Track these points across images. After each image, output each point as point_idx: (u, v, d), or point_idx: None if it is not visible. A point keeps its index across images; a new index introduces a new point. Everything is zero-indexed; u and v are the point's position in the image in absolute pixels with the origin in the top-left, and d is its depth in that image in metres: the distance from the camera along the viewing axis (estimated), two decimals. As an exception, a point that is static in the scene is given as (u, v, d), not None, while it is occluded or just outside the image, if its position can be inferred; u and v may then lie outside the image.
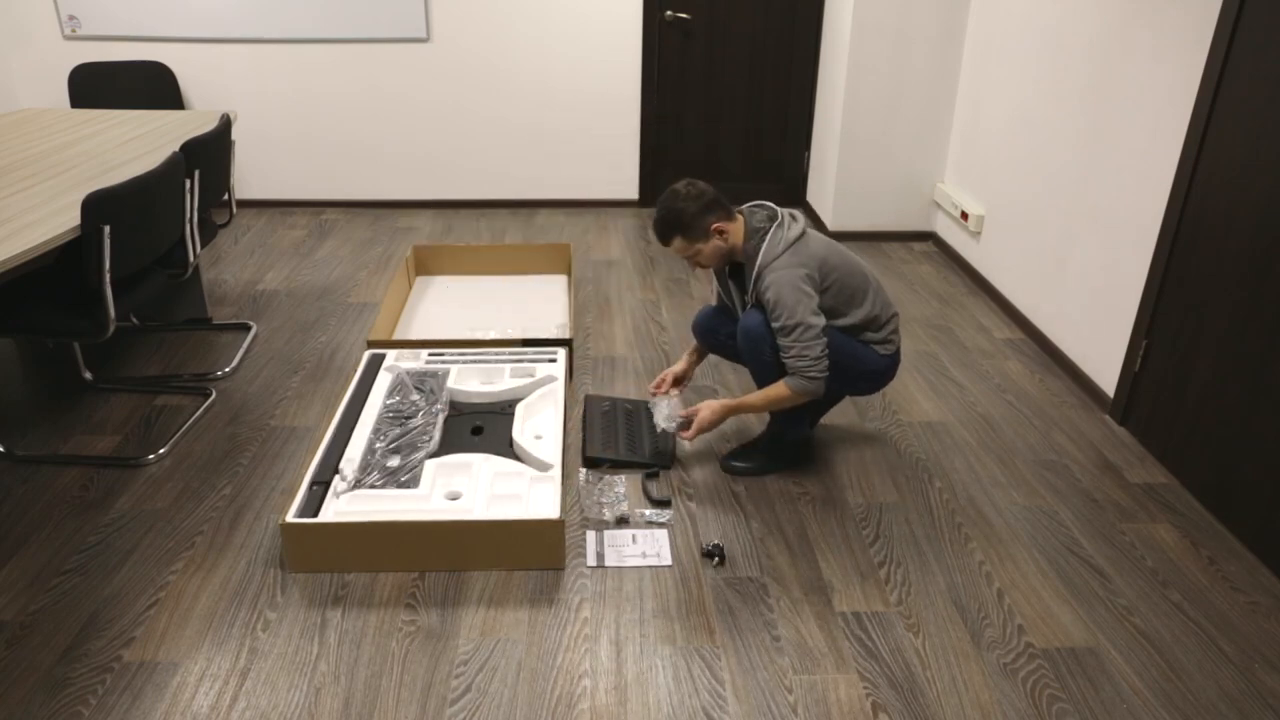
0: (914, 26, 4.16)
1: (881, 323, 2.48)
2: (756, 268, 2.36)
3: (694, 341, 2.78)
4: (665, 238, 2.40)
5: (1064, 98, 3.29)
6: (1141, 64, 2.83)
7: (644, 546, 2.31)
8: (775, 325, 2.33)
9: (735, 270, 2.52)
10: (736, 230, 2.40)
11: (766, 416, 2.73)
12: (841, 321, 2.43)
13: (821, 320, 2.34)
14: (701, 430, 2.50)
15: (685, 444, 2.72)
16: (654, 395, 2.68)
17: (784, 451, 2.67)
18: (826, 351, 2.33)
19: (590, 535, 2.35)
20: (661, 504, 2.48)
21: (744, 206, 2.47)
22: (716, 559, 2.27)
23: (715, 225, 2.36)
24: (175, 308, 3.57)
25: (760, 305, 2.39)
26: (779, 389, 2.38)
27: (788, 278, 2.32)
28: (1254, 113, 2.35)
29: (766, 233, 2.37)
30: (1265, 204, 2.31)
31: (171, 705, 1.85)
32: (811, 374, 2.33)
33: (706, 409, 2.49)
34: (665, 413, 2.55)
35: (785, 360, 2.35)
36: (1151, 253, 2.79)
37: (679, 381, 2.75)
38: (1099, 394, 3.05)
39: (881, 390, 2.80)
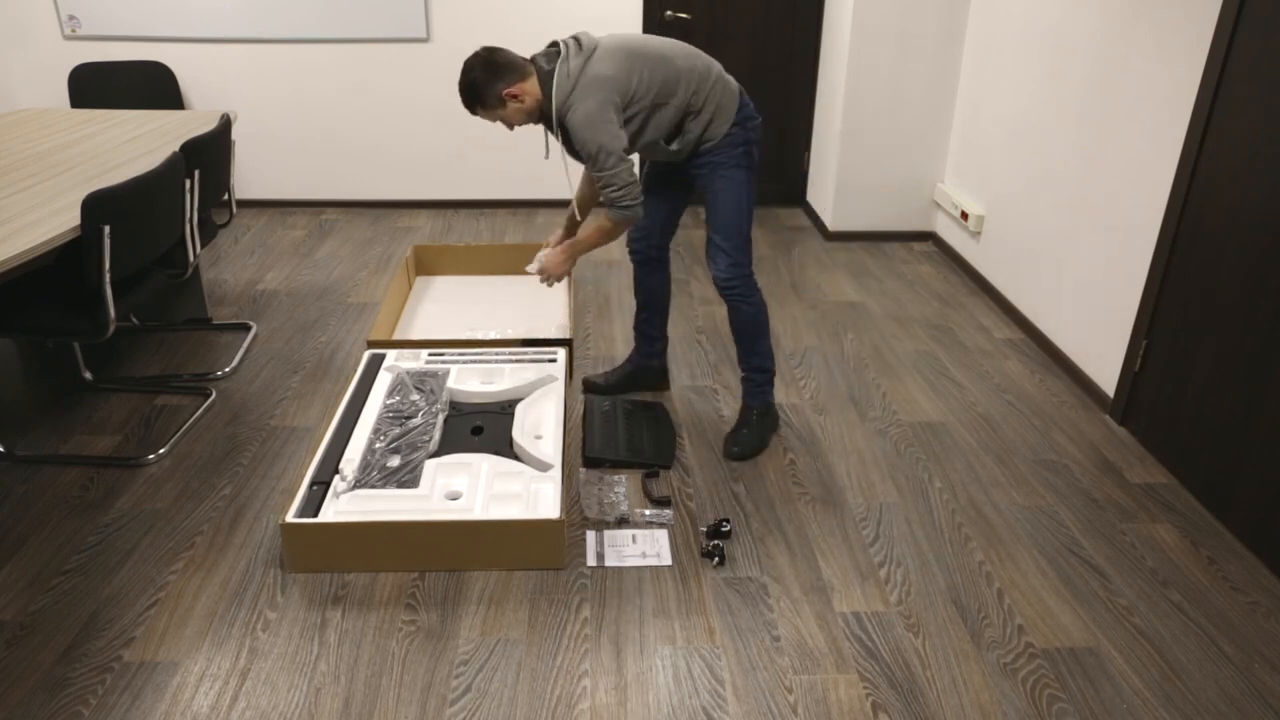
0: (914, 27, 4.16)
1: (707, 95, 2.48)
2: (554, 118, 2.41)
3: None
4: (470, 109, 2.45)
5: (1064, 98, 3.29)
6: (1141, 64, 2.83)
7: (644, 546, 2.31)
8: (586, 159, 2.41)
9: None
10: (531, 87, 2.41)
11: (738, 405, 2.86)
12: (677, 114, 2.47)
13: (621, 144, 2.39)
14: (555, 274, 2.65)
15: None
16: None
17: (767, 420, 2.78)
18: (635, 177, 2.41)
19: (590, 535, 2.35)
20: (661, 504, 2.48)
21: (535, 54, 2.48)
22: (716, 559, 2.27)
23: (505, 91, 2.39)
24: (175, 308, 3.57)
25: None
26: (602, 222, 2.51)
27: (582, 114, 2.36)
28: (1254, 113, 2.35)
29: (552, 75, 2.39)
30: (1265, 204, 2.31)
31: (171, 705, 1.85)
32: (625, 202, 2.42)
33: (550, 259, 2.64)
34: (533, 265, 2.70)
35: (601, 194, 2.45)
36: (1151, 253, 2.79)
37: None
38: (1099, 394, 3.05)
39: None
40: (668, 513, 2.44)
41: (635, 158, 2.71)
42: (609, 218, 2.48)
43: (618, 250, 4.38)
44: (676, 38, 4.66)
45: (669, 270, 2.90)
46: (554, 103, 2.38)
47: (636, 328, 2.99)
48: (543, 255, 2.70)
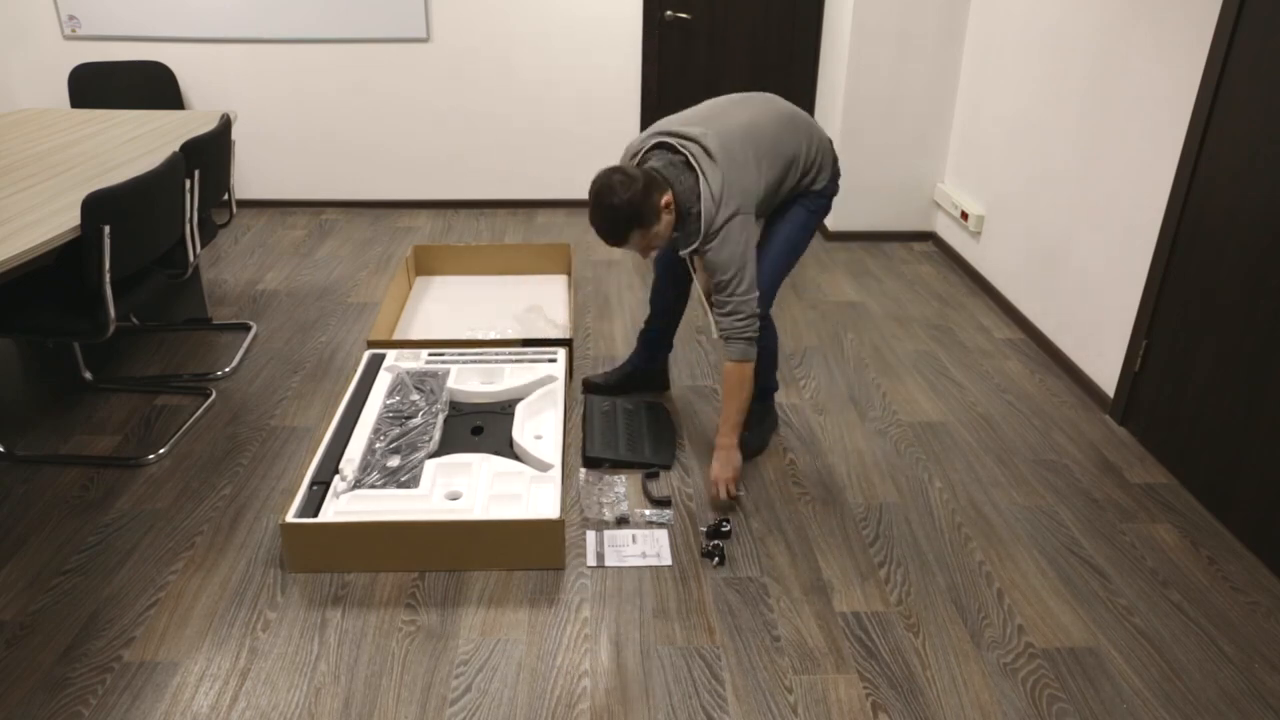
0: (914, 27, 4.16)
1: (815, 162, 2.41)
2: (702, 234, 2.23)
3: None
4: (621, 236, 2.20)
5: (1064, 98, 3.29)
6: (1141, 64, 2.83)
7: (644, 546, 2.31)
8: (716, 279, 2.25)
9: None
10: (676, 197, 2.24)
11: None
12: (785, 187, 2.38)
13: (756, 278, 2.25)
14: (731, 482, 2.42)
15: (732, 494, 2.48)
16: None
17: (766, 423, 2.79)
18: (759, 310, 2.27)
19: (590, 535, 2.35)
20: (661, 504, 2.48)
21: (643, 160, 2.28)
22: (716, 559, 2.27)
23: (664, 200, 2.19)
24: (175, 308, 3.57)
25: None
26: (732, 375, 2.31)
27: (730, 231, 2.21)
28: (1254, 113, 2.35)
29: (696, 186, 2.21)
30: (1265, 204, 2.31)
31: (171, 705, 1.85)
32: (749, 333, 2.26)
33: (724, 481, 2.41)
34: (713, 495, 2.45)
35: (719, 320, 2.27)
36: (1151, 253, 2.79)
37: None
38: (1099, 394, 3.05)
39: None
40: (668, 513, 2.44)
41: None
42: (731, 356, 2.27)
43: (618, 250, 4.38)
44: (676, 37, 4.67)
45: (690, 284, 2.79)
46: (703, 225, 2.21)
47: (644, 335, 2.93)
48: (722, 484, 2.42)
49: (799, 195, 2.47)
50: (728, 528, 2.36)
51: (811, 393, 3.10)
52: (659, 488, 2.56)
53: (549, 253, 3.98)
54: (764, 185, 2.30)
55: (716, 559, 2.27)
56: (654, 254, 2.34)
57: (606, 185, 2.17)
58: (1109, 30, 3.01)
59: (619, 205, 2.15)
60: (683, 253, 2.35)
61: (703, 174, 2.22)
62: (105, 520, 2.40)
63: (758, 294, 2.27)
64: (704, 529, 2.38)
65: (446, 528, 2.18)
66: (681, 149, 2.26)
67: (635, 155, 2.36)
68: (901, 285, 4.03)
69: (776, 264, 2.47)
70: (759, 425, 2.77)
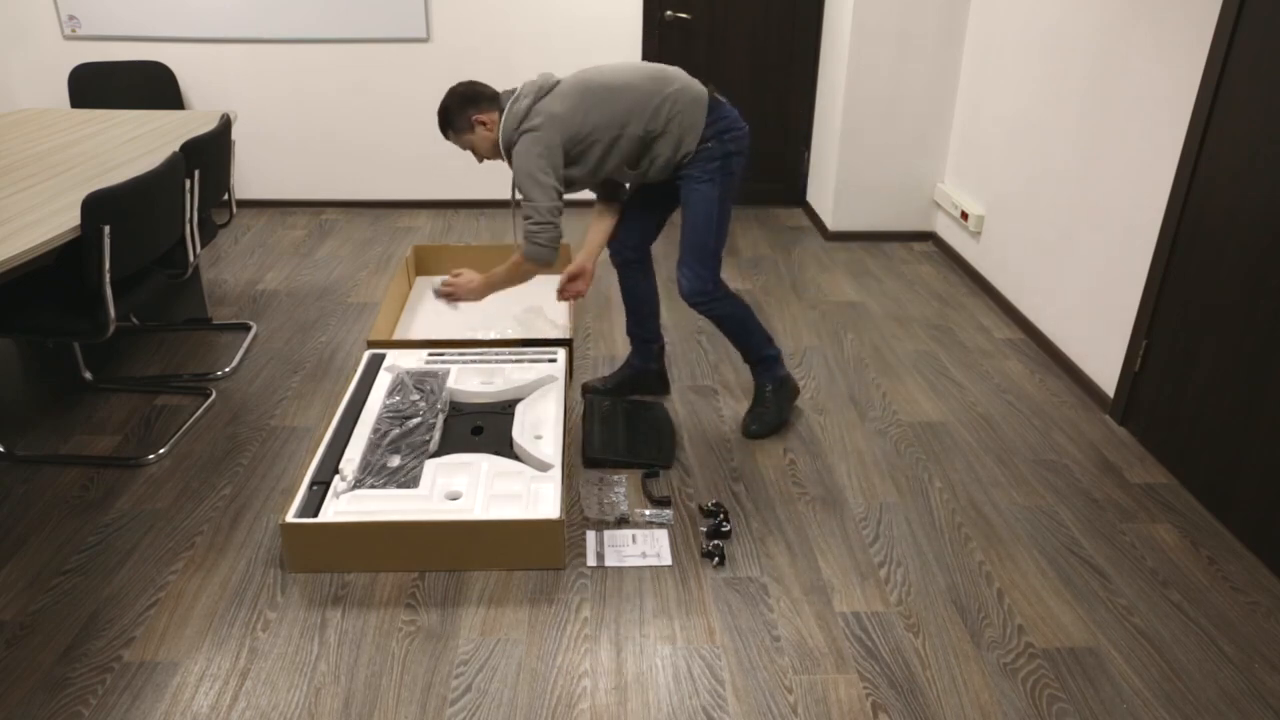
0: (914, 27, 4.16)
1: (668, 120, 2.51)
2: (503, 148, 2.55)
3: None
4: (442, 131, 2.62)
5: (1064, 98, 3.29)
6: (1141, 64, 2.83)
7: (644, 546, 2.31)
8: (520, 195, 2.53)
9: None
10: (497, 117, 2.54)
11: (738, 405, 2.86)
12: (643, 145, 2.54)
13: (551, 196, 2.49)
14: (463, 297, 2.74)
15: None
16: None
17: (783, 392, 2.87)
18: (555, 219, 2.51)
19: (590, 535, 2.35)
20: (661, 504, 2.48)
21: (486, 89, 2.59)
22: (716, 559, 2.27)
23: (475, 117, 2.54)
24: (175, 308, 3.57)
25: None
26: (518, 263, 2.60)
27: (521, 151, 2.48)
28: (1254, 113, 2.35)
29: (503, 111, 2.53)
30: (1265, 204, 2.31)
31: (171, 705, 1.85)
32: (539, 239, 2.51)
33: (465, 282, 2.73)
34: (437, 284, 2.78)
35: (522, 227, 2.55)
36: (1151, 253, 2.79)
37: (573, 279, 2.81)
38: (1099, 394, 3.05)
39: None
40: (668, 513, 2.44)
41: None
42: (523, 253, 2.56)
43: (618, 250, 4.38)
44: (676, 37, 4.67)
45: (653, 273, 2.88)
46: (500, 138, 2.53)
47: (630, 333, 2.97)
48: (453, 279, 2.77)
49: (683, 168, 2.58)
50: (728, 528, 2.36)
51: (811, 393, 3.10)
52: (659, 488, 2.56)
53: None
54: (587, 122, 2.49)
55: (716, 559, 2.27)
56: (482, 160, 2.67)
57: (450, 88, 2.60)
58: (1109, 30, 3.01)
59: (440, 107, 2.60)
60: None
61: (516, 98, 2.53)
62: (105, 520, 2.40)
63: (550, 206, 2.50)
64: (704, 529, 2.38)
65: (446, 528, 2.18)
66: (520, 86, 2.58)
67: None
68: (901, 285, 4.03)
69: (699, 235, 2.60)
70: (775, 398, 2.84)
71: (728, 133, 2.55)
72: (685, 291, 2.63)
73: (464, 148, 2.62)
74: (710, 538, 2.35)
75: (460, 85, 2.58)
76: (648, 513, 2.44)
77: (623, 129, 2.50)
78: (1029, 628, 2.09)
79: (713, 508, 2.43)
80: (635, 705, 1.86)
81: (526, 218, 2.52)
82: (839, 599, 2.17)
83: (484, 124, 2.56)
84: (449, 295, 2.75)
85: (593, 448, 2.67)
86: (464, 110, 2.55)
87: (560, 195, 2.51)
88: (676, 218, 2.66)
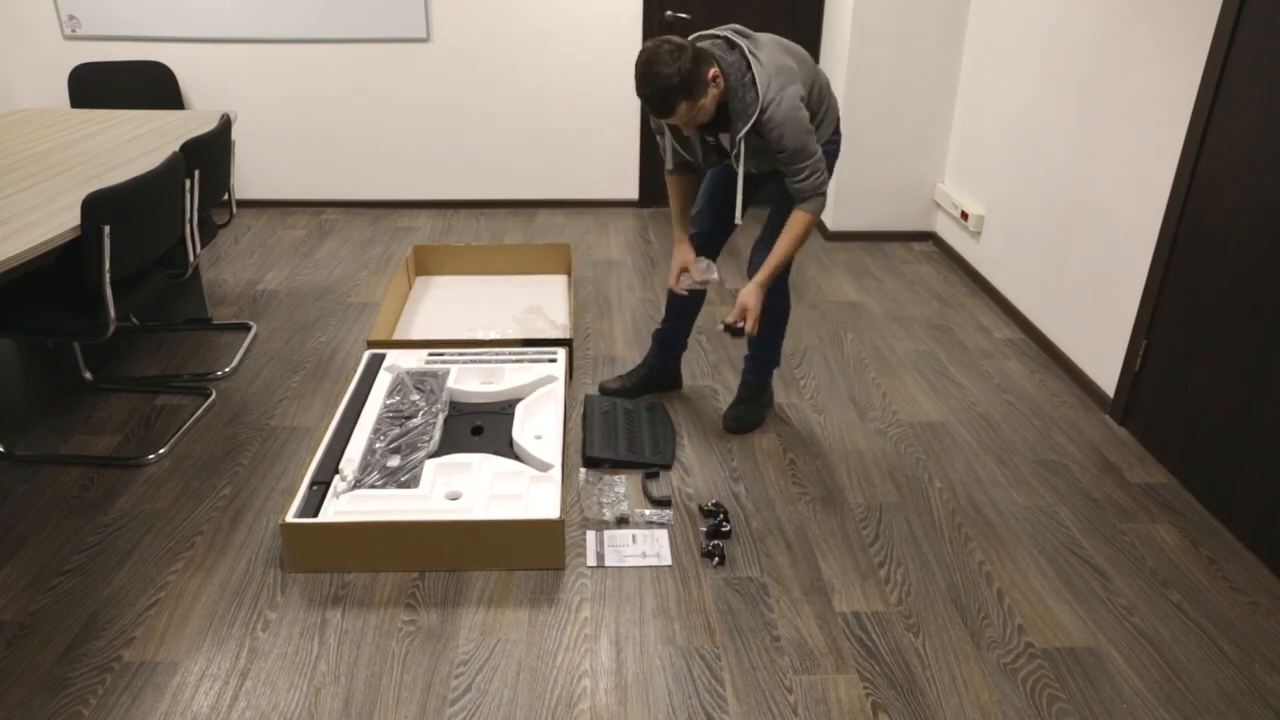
0: (914, 27, 4.16)
1: (823, 99, 2.47)
2: (760, 104, 2.24)
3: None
4: (670, 108, 2.19)
5: (1064, 98, 3.29)
6: (1141, 64, 2.83)
7: (644, 546, 2.31)
8: (786, 152, 2.29)
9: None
10: (723, 72, 2.26)
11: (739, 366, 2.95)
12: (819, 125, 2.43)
13: (815, 137, 2.32)
14: (757, 311, 2.46)
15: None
16: (680, 287, 2.64)
17: (764, 398, 2.90)
18: (826, 168, 2.35)
19: (590, 535, 2.35)
20: (661, 504, 2.48)
21: (694, 42, 2.29)
22: (716, 559, 2.27)
23: (712, 73, 2.21)
24: (175, 308, 3.57)
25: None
26: (798, 222, 2.37)
27: (788, 106, 2.24)
28: (1254, 113, 2.35)
29: (746, 65, 2.24)
30: (1265, 204, 2.31)
31: (171, 705, 1.85)
32: (822, 189, 2.34)
33: (751, 298, 2.45)
34: (720, 326, 2.57)
35: (795, 186, 2.33)
36: (1151, 253, 2.79)
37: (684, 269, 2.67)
38: (1099, 394, 3.05)
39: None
40: (668, 513, 2.44)
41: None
42: (805, 210, 2.34)
43: (618, 250, 4.38)
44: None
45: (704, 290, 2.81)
46: (761, 94, 2.22)
47: (661, 335, 2.93)
48: (703, 274, 2.56)
49: None
50: (728, 528, 2.36)
51: (811, 393, 3.10)
52: (659, 488, 2.56)
53: (549, 253, 3.98)
54: (807, 79, 2.33)
55: (716, 559, 2.27)
56: (684, 129, 2.35)
57: (655, 54, 2.16)
58: (1109, 30, 3.01)
59: (669, 74, 2.14)
60: (740, 134, 2.30)
61: (750, 51, 2.25)
62: (105, 520, 2.40)
63: (821, 154, 2.32)
64: (704, 529, 2.38)
65: (446, 528, 2.18)
66: (720, 34, 2.30)
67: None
68: (901, 285, 4.03)
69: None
70: (757, 402, 2.86)
71: (839, 133, 2.56)
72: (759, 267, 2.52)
73: (685, 120, 2.24)
74: (710, 538, 2.35)
75: (673, 44, 2.16)
76: (648, 513, 2.44)
77: (810, 90, 2.37)
78: (1029, 628, 2.09)
79: (713, 508, 2.43)
80: (635, 705, 1.86)
81: (802, 176, 2.30)
82: (839, 599, 2.17)
83: (718, 80, 2.23)
84: (739, 323, 2.49)
85: (593, 448, 2.67)
86: (699, 69, 2.17)
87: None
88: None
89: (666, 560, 2.27)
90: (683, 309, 2.88)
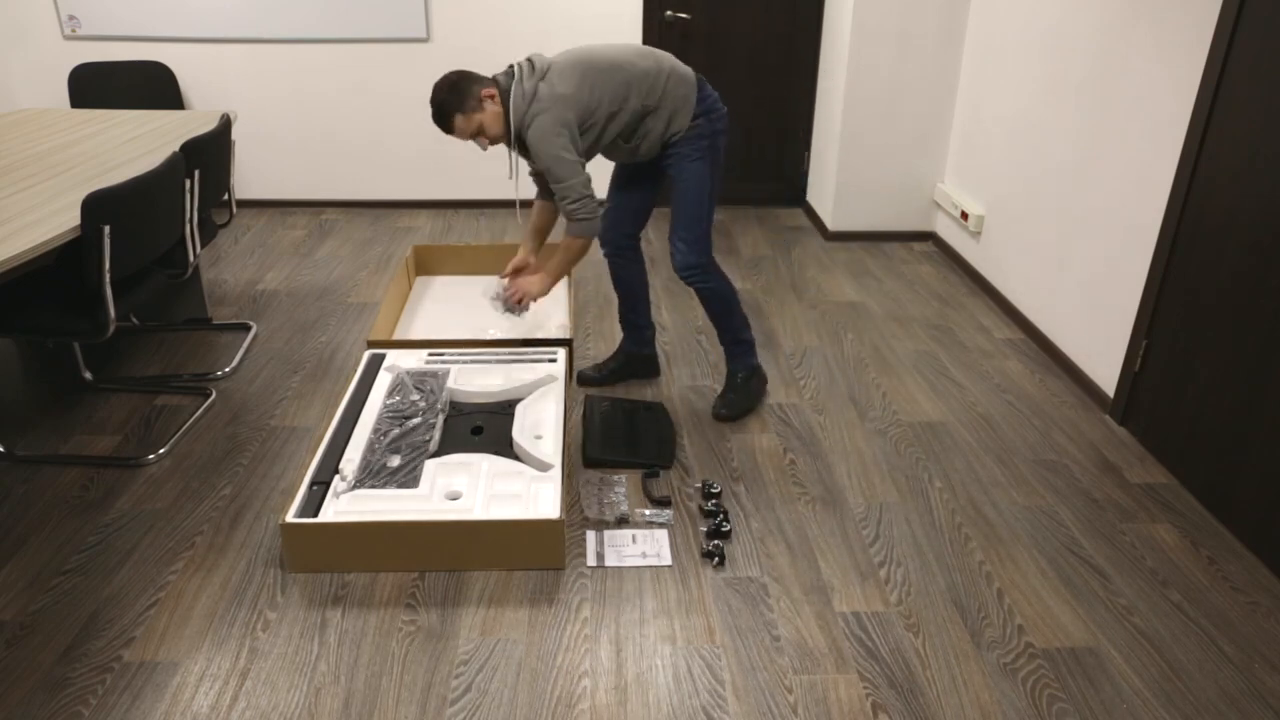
0: (914, 27, 4.16)
1: (662, 94, 2.57)
2: (514, 131, 2.50)
3: (531, 241, 2.95)
4: (445, 120, 2.49)
5: (1064, 98, 3.29)
6: (1141, 64, 2.83)
7: (644, 546, 2.31)
8: (549, 176, 2.50)
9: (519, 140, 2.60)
10: (499, 99, 2.51)
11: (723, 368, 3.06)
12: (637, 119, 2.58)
13: (575, 157, 2.48)
14: (533, 295, 2.74)
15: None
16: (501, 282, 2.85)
17: (753, 381, 2.95)
18: (590, 191, 2.51)
19: (590, 535, 2.35)
20: (661, 504, 2.48)
21: (494, 74, 2.59)
22: (716, 559, 2.27)
23: (484, 91, 2.48)
24: (175, 308, 3.57)
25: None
26: (565, 244, 2.60)
27: (537, 130, 2.46)
28: (1254, 113, 2.35)
29: (508, 92, 2.49)
30: (1265, 204, 2.31)
31: (171, 705, 1.85)
32: (582, 214, 2.52)
33: (529, 284, 2.73)
34: (493, 292, 2.81)
35: (559, 206, 2.56)
36: (1151, 253, 2.79)
37: (518, 271, 2.90)
38: (1099, 394, 3.05)
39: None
40: (668, 512, 2.44)
41: (595, 171, 2.76)
42: (569, 232, 2.57)
43: (618, 250, 4.38)
44: (677, 37, 4.67)
45: (643, 260, 2.99)
46: (512, 121, 2.49)
47: (622, 319, 3.05)
48: (502, 282, 2.80)
49: (673, 146, 2.64)
50: (728, 528, 2.36)
51: (811, 393, 3.10)
52: (659, 487, 2.56)
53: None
54: (594, 99, 2.51)
55: (716, 559, 2.27)
56: (489, 146, 2.59)
57: (435, 84, 2.51)
58: (1109, 30, 3.01)
59: (440, 90, 2.49)
60: (512, 147, 2.57)
61: (518, 80, 2.50)
62: (105, 520, 2.40)
63: (582, 180, 2.50)
64: (704, 529, 2.38)
65: (446, 528, 2.18)
66: (517, 64, 2.55)
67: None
68: (901, 285, 4.03)
69: (693, 209, 2.67)
70: (744, 386, 2.92)
71: (713, 111, 2.65)
72: (679, 264, 2.72)
73: (470, 133, 2.53)
74: (710, 538, 2.35)
75: (451, 73, 2.51)
76: (647, 513, 2.44)
77: (623, 104, 2.54)
78: (1029, 628, 2.09)
79: (713, 508, 2.43)
80: (635, 705, 1.86)
81: (563, 198, 2.52)
82: (839, 599, 2.17)
83: (492, 98, 2.50)
84: (513, 299, 2.76)
85: (593, 448, 2.67)
86: (470, 88, 2.48)
87: (584, 167, 2.53)
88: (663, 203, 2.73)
89: (666, 560, 2.27)
90: (623, 288, 2.98)
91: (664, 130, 2.61)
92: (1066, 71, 3.27)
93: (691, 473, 2.64)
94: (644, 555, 2.29)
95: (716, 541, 2.32)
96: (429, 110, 4.78)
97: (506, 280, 2.82)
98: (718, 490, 2.49)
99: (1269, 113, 2.29)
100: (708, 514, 2.43)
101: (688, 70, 2.62)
